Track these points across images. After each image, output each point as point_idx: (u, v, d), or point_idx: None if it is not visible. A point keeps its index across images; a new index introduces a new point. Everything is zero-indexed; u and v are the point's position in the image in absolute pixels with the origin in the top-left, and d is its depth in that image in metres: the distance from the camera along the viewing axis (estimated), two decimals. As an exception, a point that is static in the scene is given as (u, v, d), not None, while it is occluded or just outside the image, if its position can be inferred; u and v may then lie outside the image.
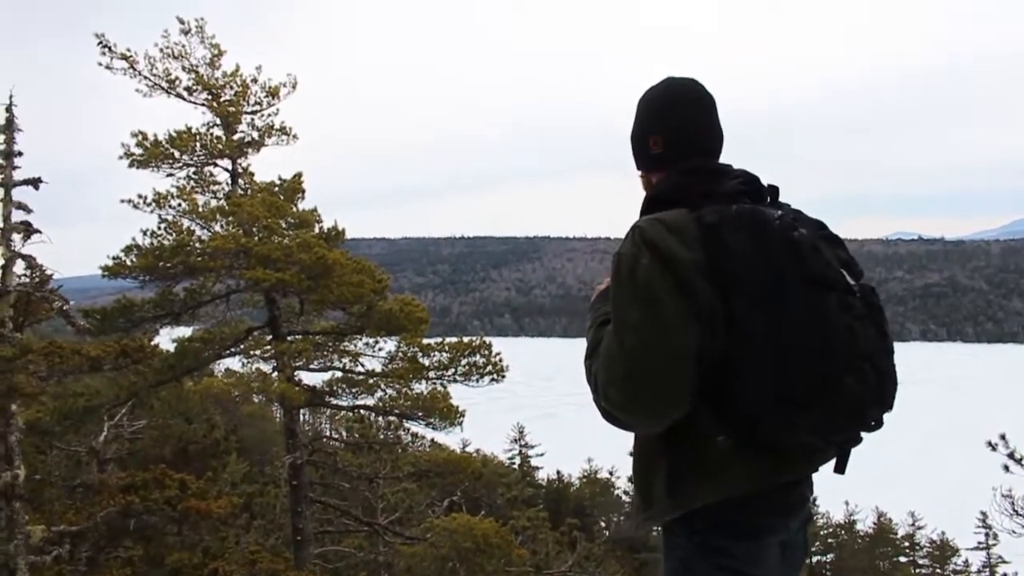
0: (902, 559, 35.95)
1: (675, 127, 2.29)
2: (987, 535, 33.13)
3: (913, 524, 36.46)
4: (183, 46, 13.34)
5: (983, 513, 29.88)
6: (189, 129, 13.34)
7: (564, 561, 17.74)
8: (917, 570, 35.02)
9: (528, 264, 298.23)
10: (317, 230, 13.46)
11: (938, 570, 34.02)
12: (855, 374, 2.00)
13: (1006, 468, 14.01)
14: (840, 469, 2.16)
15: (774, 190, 2.25)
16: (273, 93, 13.88)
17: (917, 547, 36.11)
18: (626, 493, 30.41)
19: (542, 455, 42.66)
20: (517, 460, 41.21)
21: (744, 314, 1.97)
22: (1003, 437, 14.11)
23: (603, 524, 31.87)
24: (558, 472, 36.84)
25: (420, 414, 13.40)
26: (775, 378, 1.96)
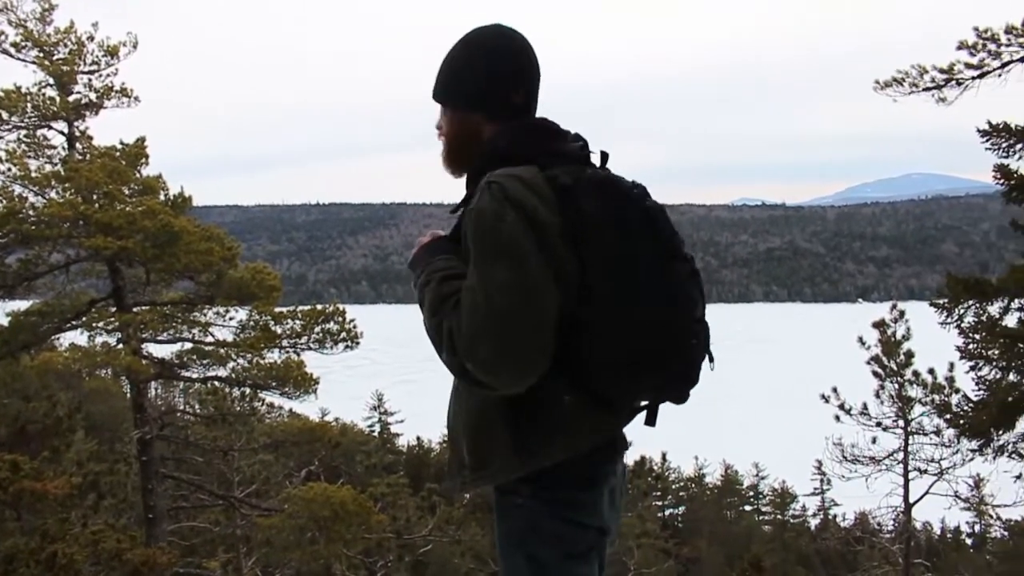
0: (747, 507, 38.04)
1: (534, 80, 2.29)
2: (822, 481, 35.46)
3: (757, 475, 38.62)
4: (9, -1, 12.50)
5: (818, 461, 31.88)
6: (18, 88, 12.54)
7: (425, 525, 17.90)
8: (760, 517, 37.13)
9: (385, 231, 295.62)
10: (162, 197, 12.96)
11: (779, 516, 36.16)
12: (694, 336, 2.11)
13: (837, 418, 15.05)
14: (652, 422, 2.22)
15: (604, 156, 2.26)
16: (112, 52, 13.19)
17: (760, 496, 38.29)
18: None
19: (402, 422, 42.68)
20: (377, 427, 41.10)
21: (599, 279, 2.01)
22: (835, 390, 15.13)
23: (464, 488, 32.19)
24: (418, 438, 36.97)
25: (274, 384, 13.19)
26: (628, 342, 2.02)
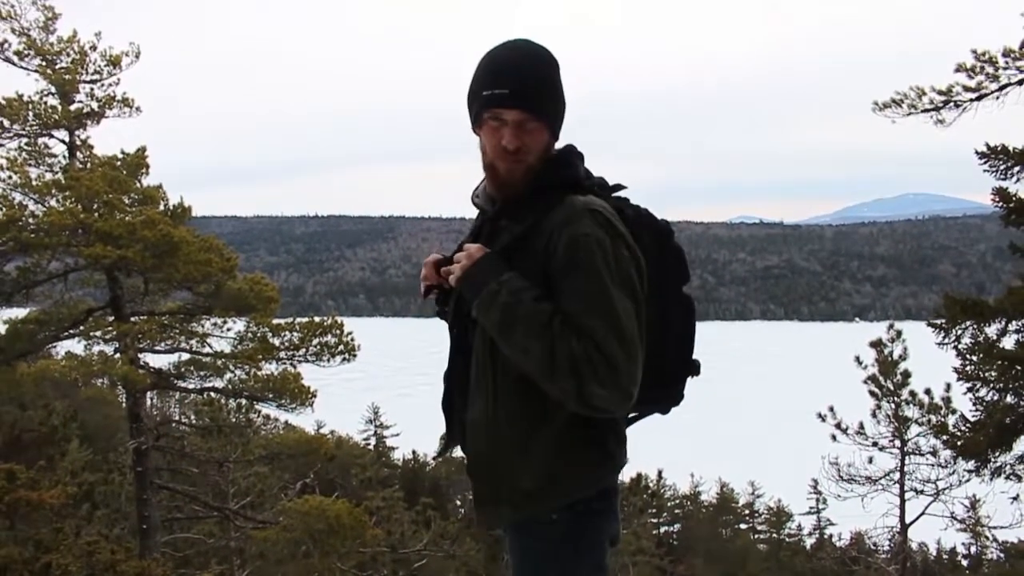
0: (742, 526, 37.90)
1: None
2: (817, 500, 35.35)
3: (753, 493, 38.47)
4: (12, 6, 12.55)
5: (814, 480, 31.80)
6: (20, 96, 12.56)
7: (419, 540, 17.84)
8: (756, 536, 36.98)
9: (383, 243, 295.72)
10: (162, 207, 12.96)
11: (775, 535, 36.02)
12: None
13: (833, 437, 15.03)
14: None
15: (619, 186, 2.38)
16: (114, 62, 13.22)
17: (756, 514, 38.15)
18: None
19: (397, 435, 42.55)
20: (372, 441, 41.00)
21: (649, 307, 2.14)
22: (831, 409, 15.11)
23: (459, 502, 32.13)
24: (413, 452, 36.86)
25: (271, 395, 13.15)
26: (659, 361, 2.21)
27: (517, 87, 2.13)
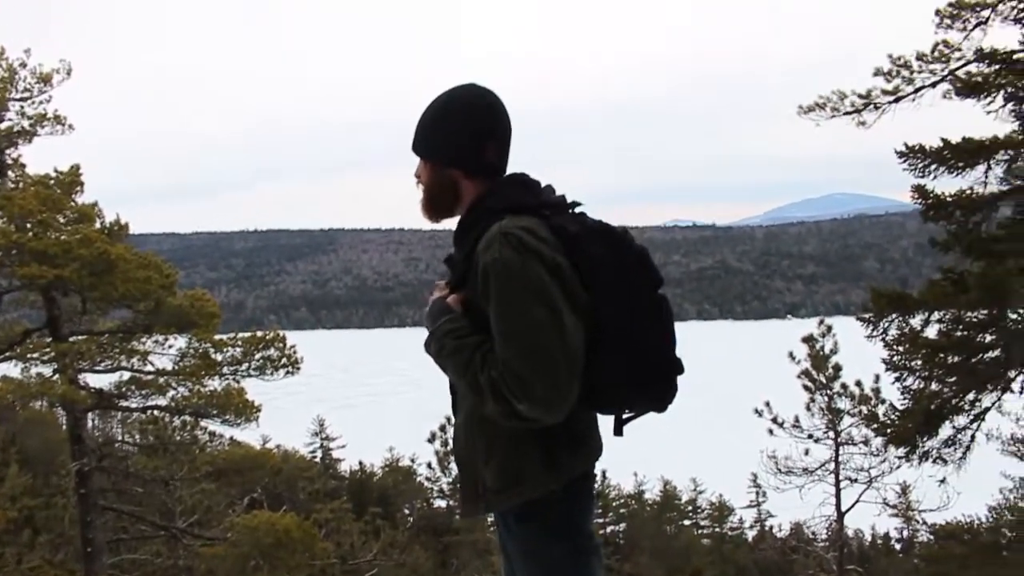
0: (686, 522, 38.25)
1: (506, 136, 2.41)
2: (757, 493, 35.90)
3: (695, 489, 38.88)
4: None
5: (754, 474, 32.30)
6: (-52, 117, 12.23)
7: (369, 550, 17.70)
8: (699, 531, 37.37)
9: (323, 256, 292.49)
10: (98, 225, 12.75)
11: (717, 529, 36.46)
12: (675, 353, 2.41)
13: (770, 432, 15.30)
14: (620, 432, 2.45)
15: (575, 204, 2.44)
16: (45, 79, 12.95)
17: (699, 510, 38.56)
18: (428, 480, 30.45)
19: (343, 447, 42.15)
20: (319, 453, 40.55)
21: (607, 313, 2.24)
22: (767, 404, 15.38)
23: (407, 511, 31.88)
24: (360, 463, 36.52)
25: (215, 411, 12.99)
26: (633, 361, 2.26)
27: (415, 134, 2.45)
